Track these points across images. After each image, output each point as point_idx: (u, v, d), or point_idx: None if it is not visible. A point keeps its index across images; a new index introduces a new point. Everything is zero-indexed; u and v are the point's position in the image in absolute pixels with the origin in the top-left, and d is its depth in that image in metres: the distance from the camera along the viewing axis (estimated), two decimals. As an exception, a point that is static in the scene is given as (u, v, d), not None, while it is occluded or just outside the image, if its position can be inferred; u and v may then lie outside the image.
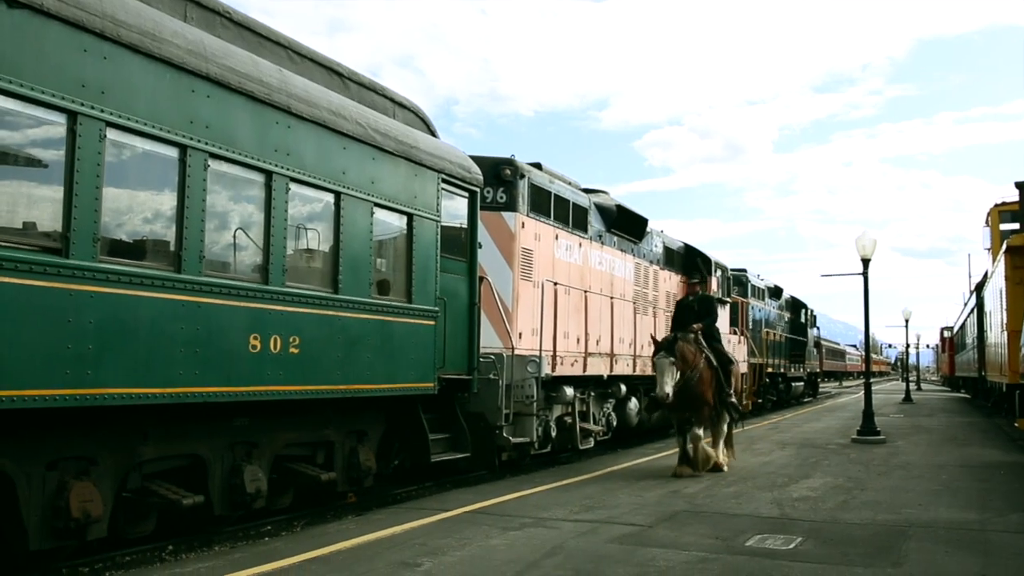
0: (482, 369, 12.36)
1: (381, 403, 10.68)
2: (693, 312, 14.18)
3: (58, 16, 6.47)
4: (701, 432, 13.15)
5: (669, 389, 12.45)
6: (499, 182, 13.98)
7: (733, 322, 26.32)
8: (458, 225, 11.92)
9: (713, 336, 14.07)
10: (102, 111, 6.83)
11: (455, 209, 11.80)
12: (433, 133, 11.80)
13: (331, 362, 9.28)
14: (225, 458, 8.66)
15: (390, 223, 10.46)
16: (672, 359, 12.54)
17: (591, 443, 16.08)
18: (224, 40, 8.35)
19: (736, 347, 26.05)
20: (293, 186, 8.85)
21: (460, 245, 11.92)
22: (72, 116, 6.63)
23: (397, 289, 10.54)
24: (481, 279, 12.41)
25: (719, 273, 23.99)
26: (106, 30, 6.82)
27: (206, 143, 7.77)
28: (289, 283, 8.77)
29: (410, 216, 10.64)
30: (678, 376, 12.61)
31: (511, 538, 8.31)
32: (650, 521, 9.21)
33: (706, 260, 23.02)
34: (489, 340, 13.11)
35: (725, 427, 14.17)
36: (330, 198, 9.44)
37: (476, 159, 12.58)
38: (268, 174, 8.54)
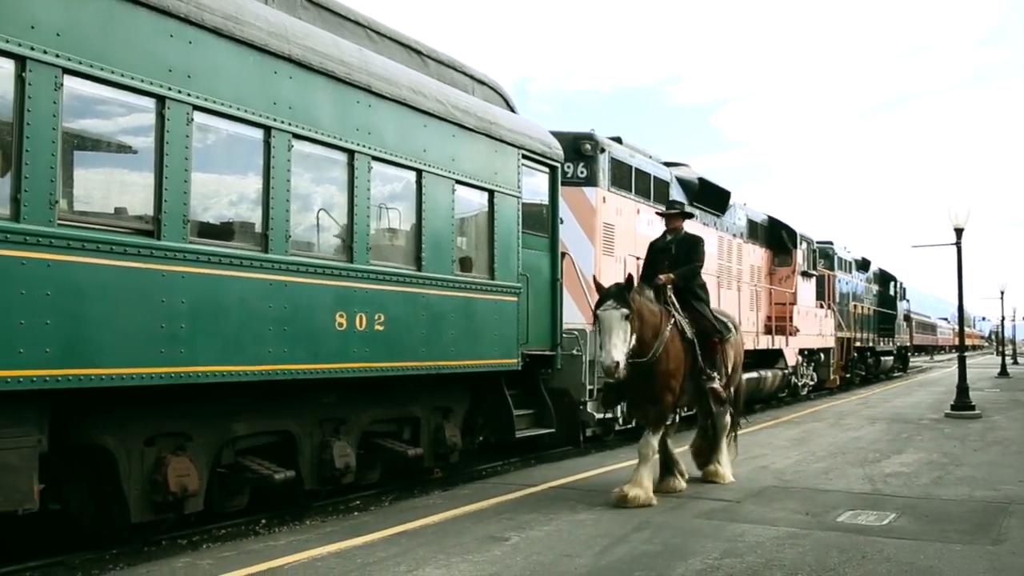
0: (565, 345, 12.32)
1: (465, 379, 10.74)
2: (669, 257, 9.87)
3: (144, 2, 6.59)
4: (655, 441, 8.97)
5: (620, 355, 8.28)
6: (579, 157, 13.90)
7: (819, 295, 25.81)
8: (539, 201, 11.86)
9: (693, 292, 9.70)
10: (189, 95, 6.95)
11: (536, 185, 11.75)
12: (512, 109, 11.75)
13: (415, 339, 9.35)
14: (314, 434, 8.81)
15: (471, 200, 10.47)
16: (626, 311, 8.41)
17: (676, 418, 15.91)
18: (305, 21, 8.42)
19: (822, 321, 25.56)
20: (375, 164, 8.91)
21: (541, 221, 11.88)
22: (160, 100, 6.76)
23: (479, 266, 10.56)
24: (563, 255, 12.35)
25: (804, 246, 23.52)
26: (191, 15, 6.93)
27: (289, 124, 7.87)
28: (373, 261, 8.85)
29: (491, 192, 10.63)
30: (633, 340, 8.49)
31: (597, 513, 8.30)
32: (738, 496, 9.10)
33: (791, 232, 22.60)
34: (572, 316, 13.08)
35: (727, 420, 10.45)
36: (411, 176, 9.48)
37: (556, 134, 12.49)
38: (350, 153, 8.61)
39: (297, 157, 8.03)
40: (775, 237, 22.45)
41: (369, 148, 8.80)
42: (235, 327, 7.33)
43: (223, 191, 7.73)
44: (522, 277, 11.08)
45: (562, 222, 12.49)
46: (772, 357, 21.21)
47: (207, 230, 7.34)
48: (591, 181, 13.90)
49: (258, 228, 7.71)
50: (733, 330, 10.33)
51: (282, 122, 7.80)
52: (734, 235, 19.79)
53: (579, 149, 13.84)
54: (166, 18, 6.77)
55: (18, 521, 6.59)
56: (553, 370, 12.07)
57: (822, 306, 25.88)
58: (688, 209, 10.98)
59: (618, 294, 8.53)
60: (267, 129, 7.69)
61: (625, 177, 14.80)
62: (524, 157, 11.22)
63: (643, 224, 15.26)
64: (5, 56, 5.81)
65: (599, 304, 8.57)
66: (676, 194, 16.73)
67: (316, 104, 8.21)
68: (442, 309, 9.76)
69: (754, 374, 19.74)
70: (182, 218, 6.91)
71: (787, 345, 21.85)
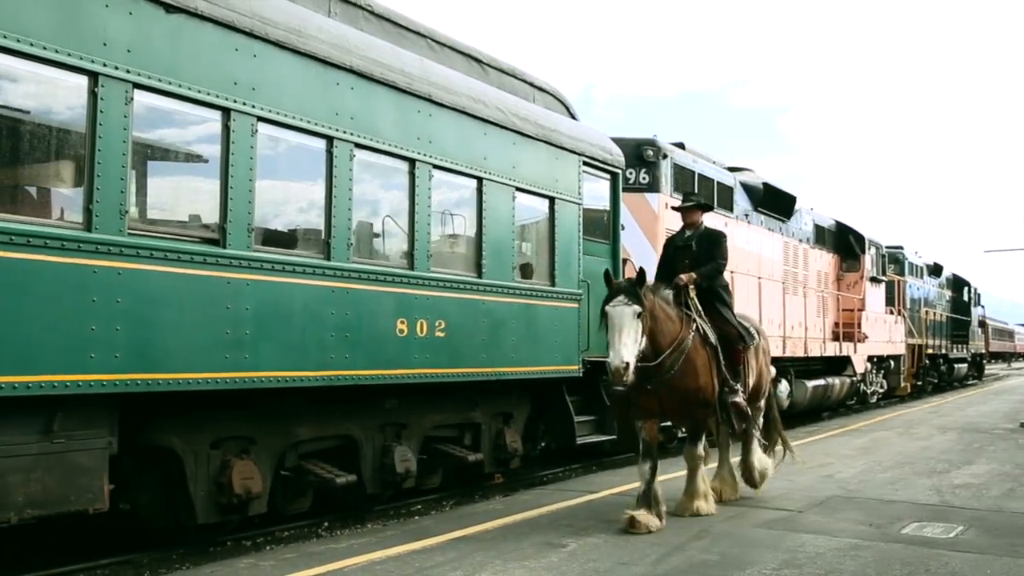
0: (626, 351, 12.26)
1: (526, 385, 10.79)
2: (690, 255, 8.96)
3: (210, 18, 6.79)
4: (701, 447, 8.53)
5: (630, 356, 7.44)
6: (641, 163, 13.88)
7: (889, 301, 25.33)
8: (600, 207, 11.87)
9: (717, 294, 8.84)
10: (253, 107, 7.12)
11: (597, 191, 11.76)
12: (573, 116, 11.78)
13: (476, 345, 9.43)
14: (376, 439, 8.94)
15: (532, 207, 10.54)
16: (637, 308, 7.57)
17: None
18: (366, 32, 8.57)
19: (892, 327, 25.09)
20: (436, 172, 9.01)
21: (602, 227, 11.89)
22: (226, 112, 6.95)
23: (540, 272, 10.62)
24: (625, 261, 12.34)
25: (873, 251, 23.11)
26: (255, 29, 7.10)
27: (351, 133, 8.01)
28: (434, 268, 8.95)
29: (552, 199, 10.68)
30: (644, 341, 7.66)
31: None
32: (800, 506, 8.99)
33: (859, 237, 22.24)
34: (633, 322, 12.99)
35: (760, 420, 9.78)
36: (472, 183, 9.57)
37: (617, 141, 12.49)
38: (411, 162, 8.73)
39: (359, 166, 8.17)
40: (843, 242, 22.10)
41: (430, 156, 8.91)
42: (298, 333, 7.48)
43: (287, 200, 7.90)
44: (583, 283, 11.10)
45: (624, 228, 12.47)
46: (840, 364, 20.89)
47: (271, 238, 7.52)
48: (653, 187, 13.86)
49: (321, 236, 7.86)
50: (756, 335, 9.42)
51: (344, 132, 7.94)
52: (800, 240, 19.53)
53: (641, 155, 13.82)
54: (232, 33, 6.95)
55: (90, 520, 6.82)
56: (614, 376, 12.03)
57: (892, 312, 25.39)
58: (706, 201, 10.07)
59: (630, 289, 7.72)
60: (329, 139, 7.84)
61: (688, 183, 14.71)
62: (585, 164, 11.24)
63: (706, 230, 15.14)
64: (79, 72, 6.03)
65: (608, 299, 7.75)
66: (740, 200, 16.61)
67: (377, 114, 8.35)
68: (503, 316, 9.82)
69: (821, 381, 19.46)
70: (247, 227, 7.08)
71: (855, 352, 21.49)
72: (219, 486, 7.35)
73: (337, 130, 7.88)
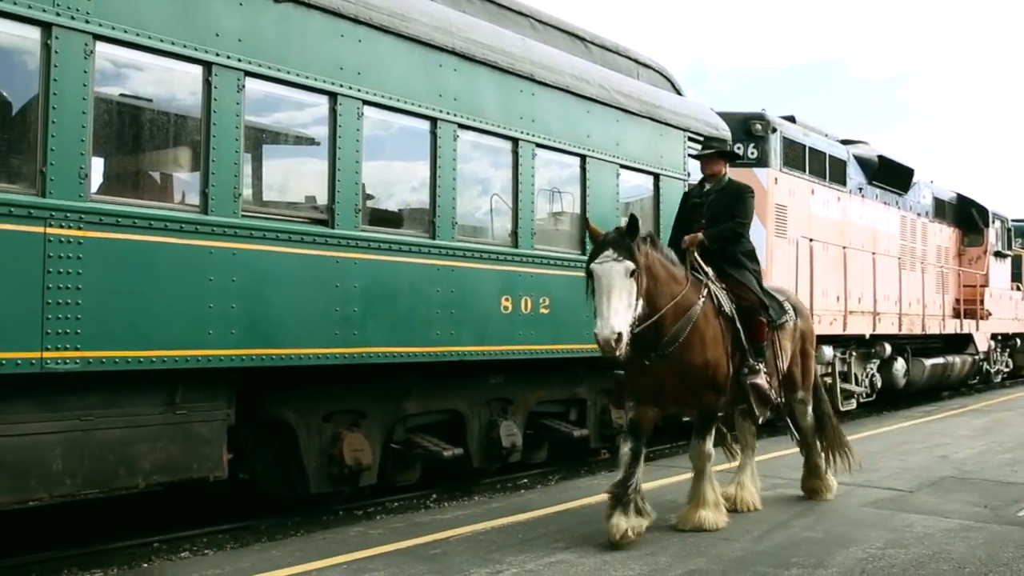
0: (734, 328, 12.16)
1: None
2: (706, 213, 7.35)
3: (317, 5, 7.01)
4: (709, 445, 7.00)
5: (622, 324, 6.03)
6: (749, 137, 13.65)
7: (1016, 277, 24.28)
8: (706, 183, 11.74)
9: (733, 259, 7.25)
10: (359, 91, 7.33)
11: (702, 167, 11.62)
12: (678, 91, 11.68)
13: (581, 322, 9.47)
14: (482, 414, 9.12)
15: (636, 183, 10.52)
16: (630, 265, 6.12)
17: (853, 405, 15.47)
18: (468, 14, 8.69)
19: (1019, 304, 24.07)
20: (539, 151, 9.10)
21: (708, 203, 11.75)
22: (333, 97, 7.18)
23: (644, 249, 10.59)
24: (732, 237, 12.17)
25: (997, 224, 22.17)
26: (360, 15, 7.30)
27: (455, 114, 8.16)
28: (538, 246, 9.06)
29: (656, 176, 10.64)
30: (640, 305, 6.22)
31: (761, 498, 8.21)
32: (911, 486, 8.79)
33: (982, 210, 21.37)
34: (741, 299, 12.87)
35: (809, 419, 8.14)
36: (575, 161, 9.63)
37: (724, 115, 12.33)
38: (514, 141, 8.84)
39: (463, 146, 8.32)
40: (964, 216, 21.27)
41: (533, 135, 8.99)
42: (405, 310, 7.70)
43: (392, 180, 8.12)
44: (688, 260, 11.01)
45: (731, 204, 12.29)
46: (961, 342, 20.15)
47: (378, 218, 7.75)
48: (762, 162, 13.62)
49: (426, 215, 8.05)
50: (792, 313, 7.75)
51: (448, 113, 8.09)
52: (918, 214, 18.90)
53: (749, 130, 13.59)
54: (337, 19, 7.16)
55: (211, 488, 7.21)
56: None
57: (1019, 288, 24.33)
58: (733, 148, 8.06)
59: (619, 242, 6.16)
60: (433, 120, 8.00)
61: (798, 157, 14.42)
62: (690, 139, 11.14)
63: (818, 205, 14.83)
64: (193, 62, 6.34)
65: (593, 255, 6.26)
66: (853, 173, 16.18)
67: (480, 94, 8.47)
68: (606, 292, 9.84)
69: (940, 360, 18.84)
70: (354, 207, 7.31)
71: (977, 330, 20.69)
72: (331, 457, 7.64)
73: (441, 111, 8.03)
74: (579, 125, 9.59)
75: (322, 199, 7.23)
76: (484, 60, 8.43)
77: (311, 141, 7.38)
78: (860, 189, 16.40)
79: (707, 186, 7.58)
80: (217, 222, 6.41)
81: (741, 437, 8.15)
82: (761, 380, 7.08)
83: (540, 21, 9.83)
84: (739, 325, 6.97)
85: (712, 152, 7.79)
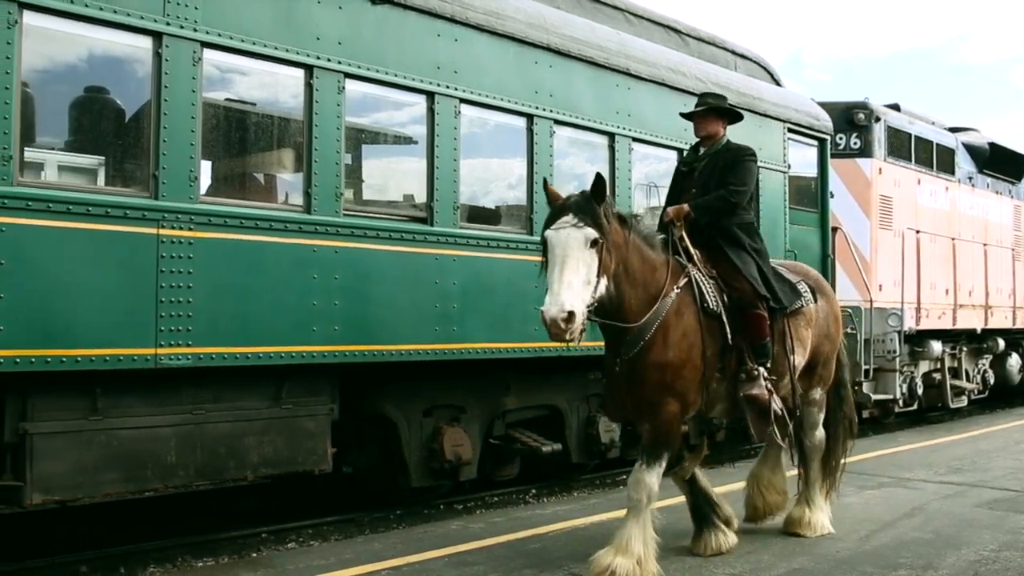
0: (838, 323, 11.91)
1: (731, 358, 10.67)
2: (698, 182, 6.22)
3: (413, 6, 7.11)
4: (653, 477, 5.47)
5: (574, 301, 4.91)
6: (852, 127, 13.33)
7: None
8: (807, 175, 11.53)
9: (730, 235, 6.04)
10: (456, 89, 7.42)
11: (803, 158, 11.41)
12: (777, 82, 11.48)
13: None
14: (580, 409, 9.12)
15: (734, 177, 10.36)
16: (592, 234, 5.06)
17: (964, 402, 14.98)
18: (562, 10, 8.70)
19: None
20: (635, 145, 9.06)
21: (810, 195, 11.54)
22: (430, 96, 7.28)
23: (743, 242, 10.44)
24: (835, 230, 11.93)
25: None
26: (456, 14, 7.38)
27: (550, 111, 8.18)
28: (635, 241, 9.00)
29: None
30: (604, 284, 5.13)
31: (867, 497, 8.03)
32: (1028, 485, 8.48)
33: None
34: (846, 293, 12.60)
35: (819, 438, 6.76)
36: (672, 155, 9.52)
37: (826, 105, 12.07)
38: (611, 136, 8.81)
39: (559, 142, 8.34)
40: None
41: (629, 130, 8.96)
42: (503, 306, 7.75)
43: (489, 178, 8.18)
44: (790, 254, 10.81)
45: (833, 196, 12.04)
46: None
47: (475, 215, 7.82)
48: (865, 152, 13.29)
49: (523, 211, 8.10)
50: (810, 295, 6.50)
51: (543, 109, 8.12)
52: (1034, 203, 18.17)
53: (852, 119, 13.28)
54: (433, 19, 7.26)
55: (316, 481, 7.39)
56: (825, 349, 11.71)
57: None
58: (731, 104, 6.68)
59: (583, 206, 5.14)
60: (529, 117, 8.04)
61: (903, 146, 14.01)
62: (790, 131, 10.93)
63: (924, 195, 14.39)
64: (295, 66, 6.51)
65: (550, 221, 5.24)
66: (962, 162, 15.64)
67: (576, 90, 8.47)
68: (705, 287, 9.75)
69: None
70: (452, 205, 7.40)
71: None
72: (431, 452, 7.75)
73: (537, 108, 8.06)
74: (676, 118, 9.45)
75: (421, 197, 7.34)
76: (579, 55, 8.42)
77: (409, 140, 7.49)
78: (970, 178, 15.85)
79: (701, 150, 6.40)
80: (320, 221, 6.56)
81: (809, 449, 6.73)
82: (759, 390, 5.75)
83: (634, 14, 9.77)
84: (727, 322, 5.70)
85: (703, 109, 6.37)
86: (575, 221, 5.08)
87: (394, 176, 7.58)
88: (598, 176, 5.24)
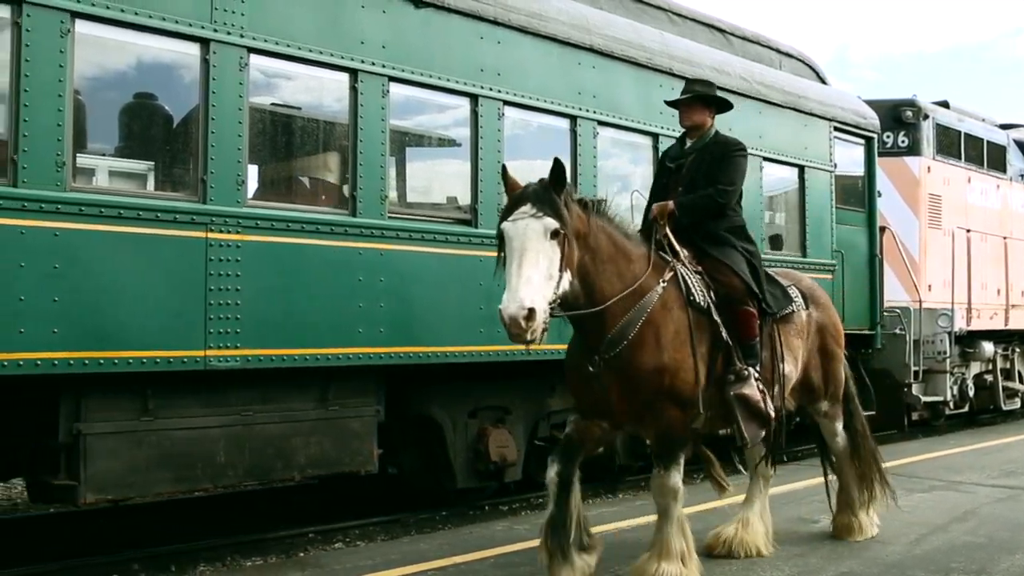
0: (887, 324, 11.78)
1: (777, 359, 10.57)
2: (684, 178, 5.78)
3: (457, 9, 7.15)
4: (672, 481, 5.12)
5: (536, 296, 4.50)
6: (899, 125, 13.16)
7: None
8: (854, 174, 11.42)
9: (715, 236, 5.64)
10: (499, 91, 7.44)
11: (850, 157, 11.30)
12: (823, 80, 11.38)
13: (724, 318, 9.35)
14: (624, 411, 9.08)
15: (780, 176, 10.30)
16: (552, 224, 4.63)
17: (1016, 404, 14.71)
18: (605, 10, 8.69)
19: None
20: (679, 146, 9.01)
21: (857, 195, 11.43)
22: (474, 99, 7.31)
23: (790, 243, 10.38)
24: (882, 229, 11.79)
25: None
26: (499, 16, 7.41)
27: (593, 112, 8.17)
28: (679, 241, 8.96)
29: (801, 168, 10.39)
30: (568, 280, 4.70)
31: (917, 500, 7.92)
32: (1085, 488, 8.31)
33: None
34: (894, 293, 12.46)
35: (840, 441, 6.52)
36: (717, 156, 9.48)
37: (873, 103, 11.95)
38: (654, 136, 8.78)
39: (602, 143, 8.34)
40: None
41: (672, 130, 8.87)
42: (547, 308, 7.74)
43: (534, 179, 8.15)
44: (836, 254, 10.72)
45: (880, 195, 11.90)
46: None
47: (520, 217, 7.82)
48: (913, 150, 13.10)
49: (566, 213, 8.09)
50: (802, 302, 6.12)
51: (587, 110, 8.12)
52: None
53: (899, 117, 13.09)
54: (476, 22, 7.29)
55: (362, 482, 7.45)
56: (874, 350, 11.60)
57: None
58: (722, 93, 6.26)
59: (541, 195, 4.72)
60: (573, 118, 8.04)
61: (953, 144, 13.80)
62: (836, 129, 10.83)
63: (975, 193, 14.15)
64: (340, 70, 6.57)
65: (507, 212, 4.84)
66: (1014, 159, 15.37)
67: (619, 90, 8.46)
68: (751, 288, 9.68)
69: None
70: (497, 207, 7.39)
71: None
72: (476, 453, 7.76)
73: (580, 109, 8.06)
74: (721, 118, 9.42)
75: (465, 199, 7.37)
76: (622, 56, 8.41)
77: (453, 142, 7.54)
78: (1022, 176, 15.56)
79: (688, 143, 5.92)
80: (365, 224, 6.62)
81: (750, 461, 6.43)
82: (751, 390, 5.34)
83: (678, 14, 9.74)
84: (717, 318, 5.32)
85: (687, 98, 5.89)
86: (533, 211, 4.67)
87: (438, 178, 7.62)
88: (556, 161, 4.77)
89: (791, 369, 5.89)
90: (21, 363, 5.18)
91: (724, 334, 5.33)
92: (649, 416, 5.17)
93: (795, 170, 10.37)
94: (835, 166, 10.76)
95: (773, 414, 5.51)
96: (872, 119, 11.42)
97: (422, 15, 6.98)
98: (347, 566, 5.94)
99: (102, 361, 5.45)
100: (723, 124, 9.31)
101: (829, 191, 10.68)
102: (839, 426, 6.52)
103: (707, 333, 5.32)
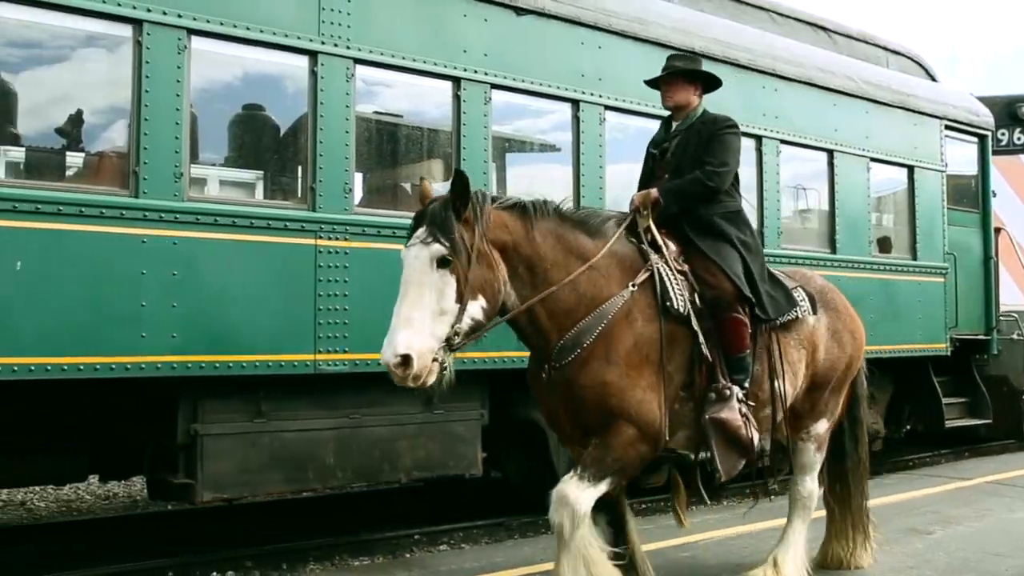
0: (1003, 329, 11.37)
1: (887, 365, 10.29)
2: (669, 161, 5.16)
3: (557, 15, 7.19)
4: (573, 492, 4.22)
5: (415, 340, 3.97)
6: (1015, 122, 12.73)
7: None
8: (966, 173, 11.05)
9: (707, 225, 4.89)
10: (600, 96, 7.45)
11: (962, 156, 10.95)
12: (932, 78, 11.06)
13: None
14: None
15: (888, 177, 10.06)
16: (440, 250, 4.04)
17: None
18: (706, 12, 8.62)
19: None
20: (783, 148, 8.88)
21: (970, 195, 11.06)
22: (575, 104, 7.34)
23: (899, 246, 10.12)
24: (997, 230, 11.38)
25: None
26: (599, 21, 7.42)
27: (695, 115, 8.10)
28: (784, 245, 8.83)
29: (910, 168, 10.11)
30: (472, 305, 4.12)
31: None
32: None
33: None
34: (1010, 296, 12.04)
35: (806, 489, 5.48)
36: (822, 156, 9.32)
37: (986, 100, 11.55)
38: (758, 139, 8.67)
39: (704, 146, 8.24)
40: None
41: (776, 132, 8.79)
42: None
43: (635, 183, 8.14)
44: (948, 256, 10.40)
45: (995, 195, 11.50)
46: None
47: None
48: (1030, 147, 12.64)
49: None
50: (808, 306, 5.21)
51: (688, 113, 8.05)
52: None
53: (1015, 114, 12.66)
54: (577, 27, 7.31)
55: (466, 485, 7.53)
56: (989, 356, 11.20)
57: None
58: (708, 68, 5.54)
59: (436, 215, 4.13)
60: (673, 122, 7.98)
61: (1074, 140, 13.25)
62: (947, 128, 10.51)
63: (1100, 192, 13.55)
64: (443, 78, 6.68)
65: (409, 234, 4.24)
66: None
67: (721, 93, 8.31)
68: (858, 292, 9.42)
69: None
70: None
71: None
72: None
73: (680, 112, 8.00)
74: (825, 119, 9.27)
75: (567, 204, 7.37)
76: (724, 58, 8.31)
77: (553, 148, 7.57)
78: None
79: (674, 125, 5.29)
80: (467, 230, 6.69)
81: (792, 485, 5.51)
82: (730, 413, 4.54)
83: (780, 14, 9.62)
84: (698, 327, 4.56)
85: (666, 75, 5.26)
86: (424, 236, 4.10)
87: (539, 183, 7.64)
88: (457, 174, 4.21)
89: (789, 386, 5.00)
90: (143, 366, 5.42)
91: (704, 346, 4.56)
92: (600, 433, 4.40)
93: (904, 170, 10.10)
94: (946, 166, 10.43)
95: (756, 441, 4.65)
96: (985, 116, 11.04)
97: (523, 22, 7.03)
98: (452, 568, 6.01)
99: (217, 365, 5.65)
100: (831, 125, 9.20)
101: (940, 191, 10.37)
102: (819, 462, 5.44)
103: (684, 344, 4.57)
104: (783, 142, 8.84)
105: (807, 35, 9.74)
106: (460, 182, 4.16)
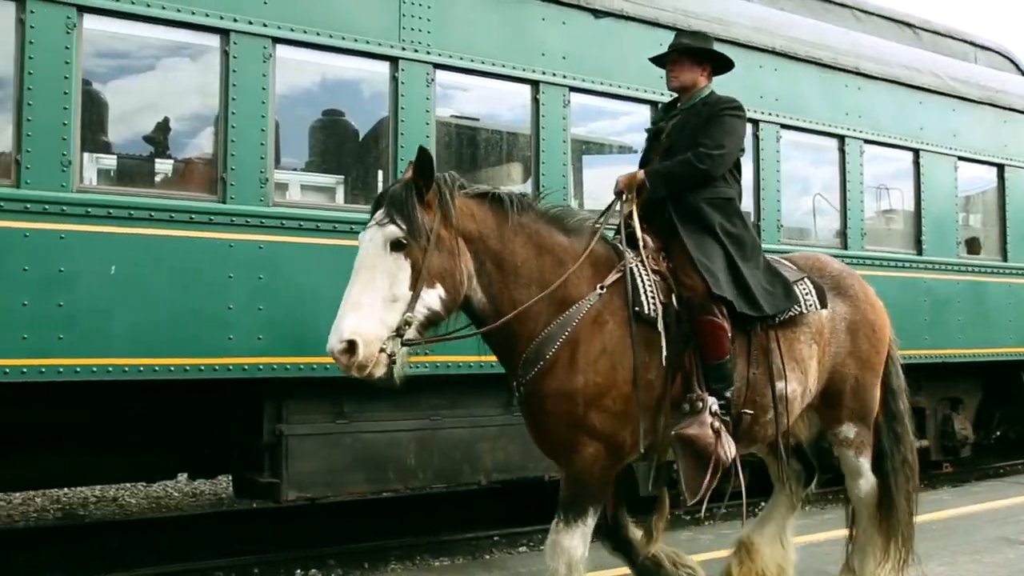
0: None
1: (976, 369, 10.03)
2: (664, 142, 4.66)
3: (635, 17, 7.18)
4: (570, 541, 4.08)
5: (361, 326, 3.72)
6: (1113, 118, 12.21)
7: None
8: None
9: (693, 212, 4.38)
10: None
11: (1056, 154, 10.60)
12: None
13: (917, 326, 8.94)
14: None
15: (977, 176, 9.81)
16: (396, 232, 3.79)
17: None
18: (787, 11, 8.50)
19: None
20: (867, 147, 8.72)
21: (1064, 194, 10.69)
22: (654, 106, 7.28)
23: (989, 247, 9.85)
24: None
25: None
26: (678, 23, 7.35)
27: (777, 115, 8.00)
28: (868, 246, 8.67)
29: (1000, 167, 9.84)
30: (428, 294, 3.85)
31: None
32: None
33: None
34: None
35: (863, 489, 4.93)
36: (908, 156, 9.13)
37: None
38: (841, 138, 8.53)
39: (785, 146, 8.15)
40: None
41: (860, 131, 8.63)
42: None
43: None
44: (1045, 260, 10.08)
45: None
46: None
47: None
48: None
49: (748, 217, 7.95)
50: (815, 299, 4.67)
51: (769, 114, 7.96)
52: None
53: (1112, 109, 12.15)
54: (655, 28, 7.28)
55: (546, 487, 7.52)
56: (1087, 363, 10.82)
57: None
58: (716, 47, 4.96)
59: (397, 196, 3.88)
60: (755, 123, 7.90)
61: None
62: (1041, 124, 10.19)
63: None
64: (522, 82, 6.72)
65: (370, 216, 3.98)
66: None
67: (802, 93, 8.26)
68: (946, 294, 9.24)
69: None
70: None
71: None
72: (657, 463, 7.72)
73: (762, 113, 7.91)
74: (911, 117, 9.07)
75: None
76: (806, 57, 8.21)
77: (630, 149, 7.55)
78: None
79: (678, 105, 4.82)
80: (546, 232, 6.71)
81: (858, 501, 5.03)
82: (700, 429, 4.05)
83: (864, 11, 9.45)
84: (662, 330, 4.14)
85: (671, 52, 4.78)
86: (381, 217, 3.84)
87: (611, 185, 7.67)
88: (421, 151, 3.88)
89: (796, 387, 4.54)
90: (231, 367, 5.56)
91: (663, 352, 4.13)
92: (561, 453, 4.13)
93: (993, 169, 9.84)
94: (1041, 165, 10.12)
95: (728, 460, 4.11)
96: (1083, 110, 10.67)
97: (601, 24, 7.03)
98: (532, 569, 6.03)
99: (302, 366, 5.76)
100: (916, 123, 8.99)
101: (1035, 192, 10.07)
102: (865, 464, 4.91)
103: (658, 351, 4.16)
104: (867, 141, 8.67)
105: (891, 32, 9.54)
106: (423, 159, 3.85)
